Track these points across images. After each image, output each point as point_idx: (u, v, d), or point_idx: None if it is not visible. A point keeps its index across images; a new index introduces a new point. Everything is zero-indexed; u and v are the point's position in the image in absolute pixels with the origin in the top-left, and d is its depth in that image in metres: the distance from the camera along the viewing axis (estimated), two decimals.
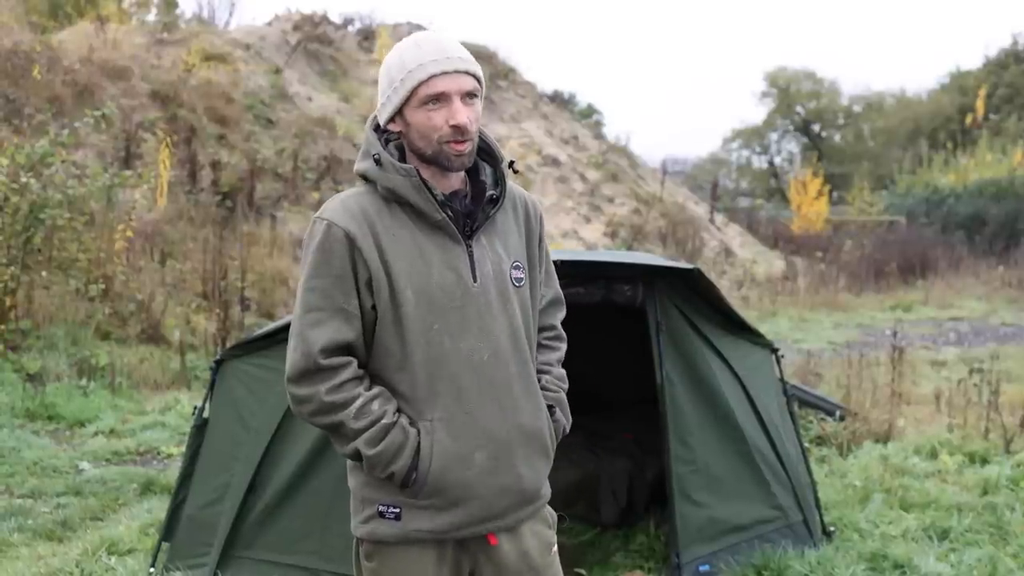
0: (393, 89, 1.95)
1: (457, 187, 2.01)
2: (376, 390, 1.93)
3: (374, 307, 1.94)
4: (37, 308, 8.51)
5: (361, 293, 1.93)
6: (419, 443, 1.91)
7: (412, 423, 1.94)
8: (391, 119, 1.99)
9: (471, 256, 1.97)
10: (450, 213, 1.96)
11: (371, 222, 1.93)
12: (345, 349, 1.93)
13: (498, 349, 1.96)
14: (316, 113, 16.59)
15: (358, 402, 1.90)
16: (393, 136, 2.02)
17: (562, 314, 2.26)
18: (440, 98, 1.91)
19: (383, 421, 1.90)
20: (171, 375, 8.35)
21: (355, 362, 1.94)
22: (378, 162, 1.96)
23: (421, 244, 1.94)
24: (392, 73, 1.96)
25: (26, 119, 10.52)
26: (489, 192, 2.02)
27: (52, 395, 7.21)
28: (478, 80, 1.97)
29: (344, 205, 1.96)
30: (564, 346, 2.24)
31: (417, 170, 1.95)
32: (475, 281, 1.96)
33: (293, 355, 1.93)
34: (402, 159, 1.99)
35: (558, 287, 2.26)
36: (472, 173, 2.05)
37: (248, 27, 19.59)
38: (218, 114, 14.45)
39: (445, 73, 1.91)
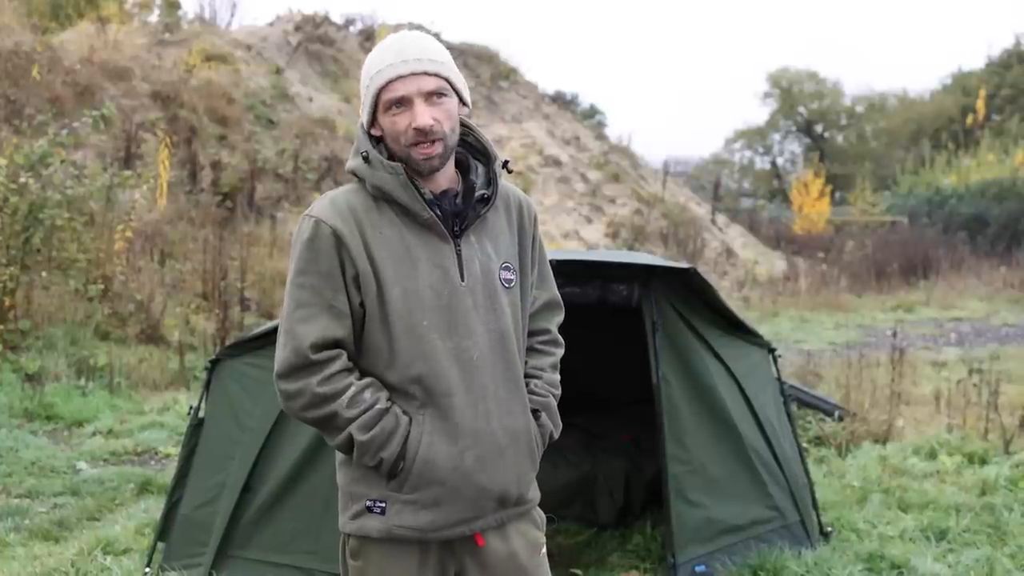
0: (365, 96, 1.97)
1: (447, 186, 1.99)
2: (367, 380, 1.93)
3: (362, 304, 1.93)
4: (36, 308, 8.52)
5: (349, 290, 1.93)
6: (409, 432, 1.91)
7: (404, 412, 1.93)
8: (371, 123, 2.00)
9: (459, 255, 1.95)
10: (438, 212, 1.95)
11: (359, 220, 1.93)
12: (335, 344, 1.93)
13: (485, 349, 1.95)
14: (317, 113, 16.61)
15: (350, 391, 1.90)
16: None
17: (558, 318, 2.22)
18: (401, 102, 1.91)
19: (377, 406, 1.90)
20: (170, 375, 8.36)
21: (345, 355, 1.93)
22: (366, 159, 1.95)
23: (408, 242, 1.94)
24: (363, 79, 1.99)
25: (26, 119, 10.52)
26: (480, 192, 2.00)
27: (51, 395, 7.21)
28: (445, 78, 1.94)
29: (333, 203, 1.96)
30: (560, 351, 2.19)
31: (405, 168, 1.94)
32: (463, 280, 1.94)
33: (283, 352, 1.92)
34: (392, 158, 1.98)
35: (555, 291, 2.21)
36: (463, 172, 2.04)
37: (249, 27, 19.65)
38: (219, 114, 14.46)
39: (401, 77, 1.90)
